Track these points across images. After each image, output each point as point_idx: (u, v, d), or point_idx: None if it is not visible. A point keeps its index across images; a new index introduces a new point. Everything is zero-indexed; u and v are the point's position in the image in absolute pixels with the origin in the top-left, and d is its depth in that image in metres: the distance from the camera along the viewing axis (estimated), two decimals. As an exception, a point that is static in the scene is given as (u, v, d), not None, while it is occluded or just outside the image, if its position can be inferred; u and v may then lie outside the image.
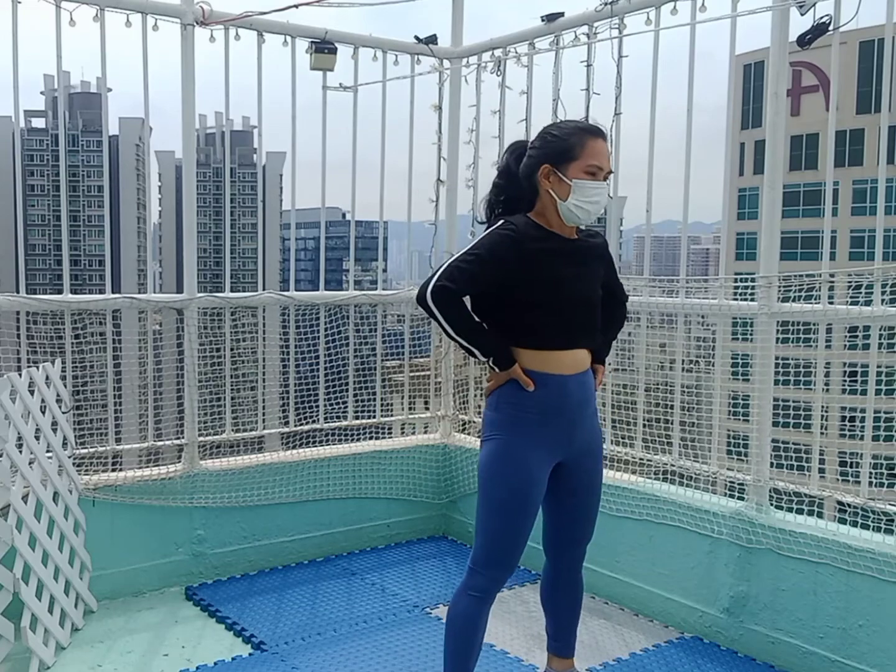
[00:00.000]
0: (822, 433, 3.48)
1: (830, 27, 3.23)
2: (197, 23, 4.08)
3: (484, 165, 4.78)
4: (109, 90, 4.19)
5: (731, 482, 3.68)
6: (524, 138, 2.85)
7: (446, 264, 2.56)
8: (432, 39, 4.72)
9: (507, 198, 2.73)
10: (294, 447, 4.62)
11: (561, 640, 2.98)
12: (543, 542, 2.91)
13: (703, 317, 3.92)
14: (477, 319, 2.65)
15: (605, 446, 4.12)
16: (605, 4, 3.96)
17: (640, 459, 4.01)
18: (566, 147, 2.60)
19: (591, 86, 4.14)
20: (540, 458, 2.64)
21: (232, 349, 4.39)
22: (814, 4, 3.26)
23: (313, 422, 4.67)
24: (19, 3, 3.76)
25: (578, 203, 2.59)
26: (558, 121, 2.85)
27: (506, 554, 2.67)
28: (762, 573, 3.47)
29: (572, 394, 2.66)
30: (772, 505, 3.50)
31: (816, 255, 3.64)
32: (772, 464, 3.51)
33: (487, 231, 2.66)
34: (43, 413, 3.61)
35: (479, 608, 2.70)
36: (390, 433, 5.04)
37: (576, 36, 4.19)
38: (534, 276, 2.58)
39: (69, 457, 3.83)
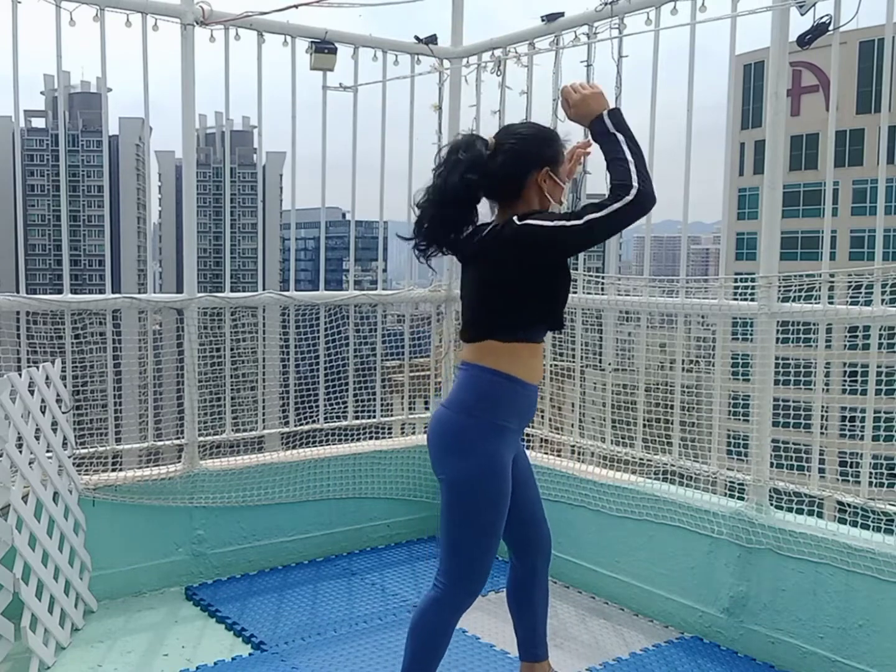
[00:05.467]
0: (822, 433, 3.48)
1: (830, 27, 3.23)
2: (197, 23, 4.08)
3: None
4: (109, 90, 4.19)
5: (731, 482, 3.68)
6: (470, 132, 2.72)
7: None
8: (432, 39, 4.71)
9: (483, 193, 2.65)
10: (294, 447, 4.62)
11: (535, 644, 2.93)
12: (512, 544, 2.85)
13: (703, 317, 3.92)
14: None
15: (605, 446, 4.17)
16: (605, 4, 3.96)
17: (640, 459, 4.02)
18: (558, 150, 2.64)
19: (591, 86, 4.14)
20: (509, 464, 2.66)
21: (232, 349, 4.39)
22: (814, 4, 3.26)
23: (313, 422, 4.67)
24: (19, 3, 3.76)
25: (563, 203, 2.68)
26: (526, 122, 2.84)
27: (487, 570, 2.63)
28: (762, 573, 3.47)
29: (535, 404, 2.74)
30: (772, 505, 3.50)
31: (816, 255, 3.64)
32: (772, 464, 3.51)
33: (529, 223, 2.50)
34: (43, 413, 3.61)
35: (454, 623, 2.66)
36: (390, 433, 5.04)
37: (576, 36, 4.19)
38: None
39: (69, 457, 3.83)
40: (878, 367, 3.23)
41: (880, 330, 3.19)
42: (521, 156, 2.61)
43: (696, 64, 3.87)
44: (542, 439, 4.55)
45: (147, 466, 4.24)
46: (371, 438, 4.90)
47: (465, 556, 2.60)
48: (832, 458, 3.51)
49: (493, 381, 2.57)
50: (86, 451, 4.03)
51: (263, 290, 4.51)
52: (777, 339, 3.49)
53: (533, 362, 2.65)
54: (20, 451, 3.35)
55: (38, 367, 3.64)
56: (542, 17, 4.31)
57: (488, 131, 2.76)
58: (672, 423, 3.87)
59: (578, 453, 4.38)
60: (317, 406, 4.69)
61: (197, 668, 3.40)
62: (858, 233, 36.57)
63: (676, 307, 3.84)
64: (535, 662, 2.96)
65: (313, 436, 4.66)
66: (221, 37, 4.19)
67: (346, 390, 4.78)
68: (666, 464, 3.90)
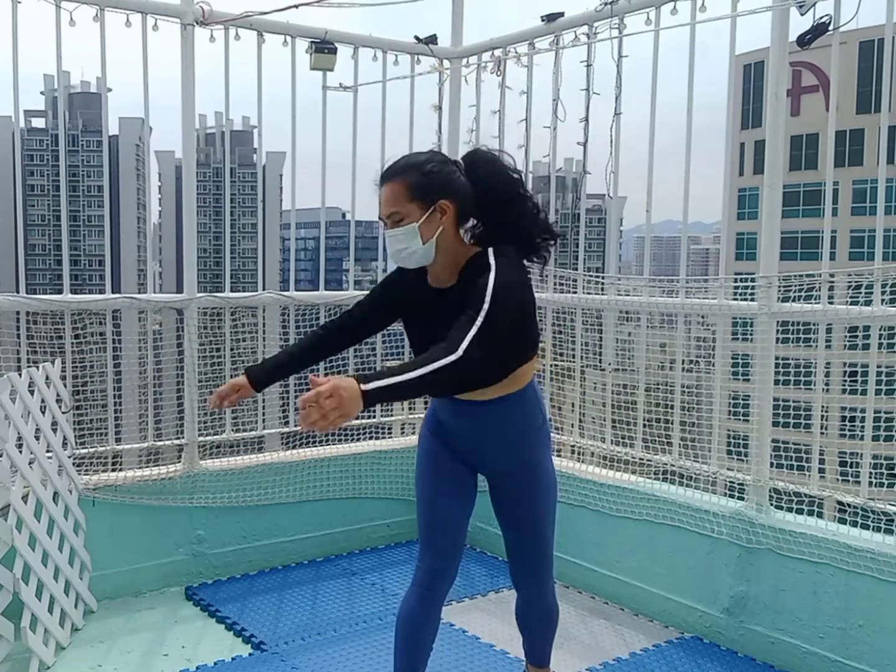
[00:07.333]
0: (822, 433, 3.47)
1: (830, 27, 3.24)
2: (197, 23, 4.08)
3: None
4: (109, 90, 4.18)
5: (731, 482, 3.68)
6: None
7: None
8: (432, 39, 4.71)
9: None
10: (294, 447, 4.62)
11: (536, 655, 2.97)
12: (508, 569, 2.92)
13: (703, 317, 3.93)
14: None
15: (605, 446, 4.15)
16: (605, 4, 3.96)
17: (640, 459, 4.01)
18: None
19: (591, 86, 4.15)
20: (447, 450, 2.66)
21: (232, 349, 4.39)
22: (814, 4, 3.26)
23: (313, 422, 4.65)
24: (19, 3, 3.76)
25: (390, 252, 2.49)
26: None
27: (431, 541, 2.66)
28: (762, 573, 3.47)
29: (453, 428, 2.64)
30: (772, 505, 3.50)
31: (816, 255, 3.64)
32: (772, 464, 3.51)
33: None
34: (43, 413, 3.61)
35: (423, 605, 2.69)
36: (390, 433, 5.04)
37: (576, 36, 4.19)
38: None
39: (69, 457, 3.83)
40: (878, 367, 3.23)
41: (880, 330, 3.19)
42: None
43: (695, 64, 3.87)
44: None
45: (147, 466, 4.24)
46: (371, 438, 4.90)
47: (418, 530, 2.73)
48: (832, 458, 3.51)
49: None
50: (86, 451, 4.03)
51: (263, 290, 4.51)
52: (777, 339, 3.49)
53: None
54: (20, 451, 3.35)
55: (38, 367, 3.64)
56: (542, 17, 4.31)
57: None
58: (672, 423, 3.87)
59: (578, 453, 4.38)
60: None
61: (197, 668, 3.40)
62: (858, 233, 36.56)
63: (676, 307, 3.84)
64: (532, 666, 3.00)
65: (313, 436, 4.66)
66: (221, 37, 4.19)
67: (347, 390, 4.76)
68: (666, 464, 3.90)
